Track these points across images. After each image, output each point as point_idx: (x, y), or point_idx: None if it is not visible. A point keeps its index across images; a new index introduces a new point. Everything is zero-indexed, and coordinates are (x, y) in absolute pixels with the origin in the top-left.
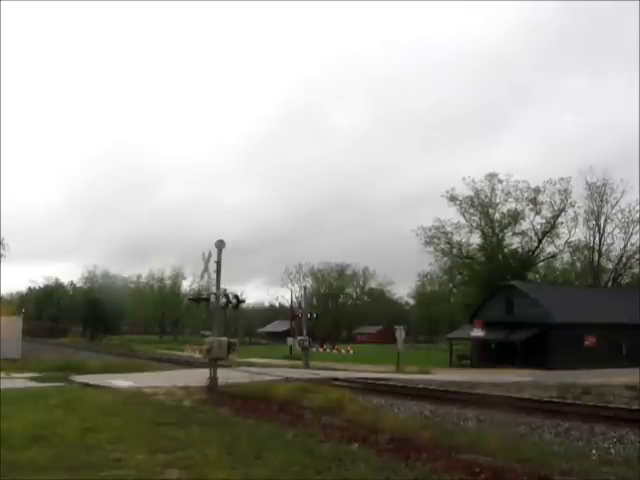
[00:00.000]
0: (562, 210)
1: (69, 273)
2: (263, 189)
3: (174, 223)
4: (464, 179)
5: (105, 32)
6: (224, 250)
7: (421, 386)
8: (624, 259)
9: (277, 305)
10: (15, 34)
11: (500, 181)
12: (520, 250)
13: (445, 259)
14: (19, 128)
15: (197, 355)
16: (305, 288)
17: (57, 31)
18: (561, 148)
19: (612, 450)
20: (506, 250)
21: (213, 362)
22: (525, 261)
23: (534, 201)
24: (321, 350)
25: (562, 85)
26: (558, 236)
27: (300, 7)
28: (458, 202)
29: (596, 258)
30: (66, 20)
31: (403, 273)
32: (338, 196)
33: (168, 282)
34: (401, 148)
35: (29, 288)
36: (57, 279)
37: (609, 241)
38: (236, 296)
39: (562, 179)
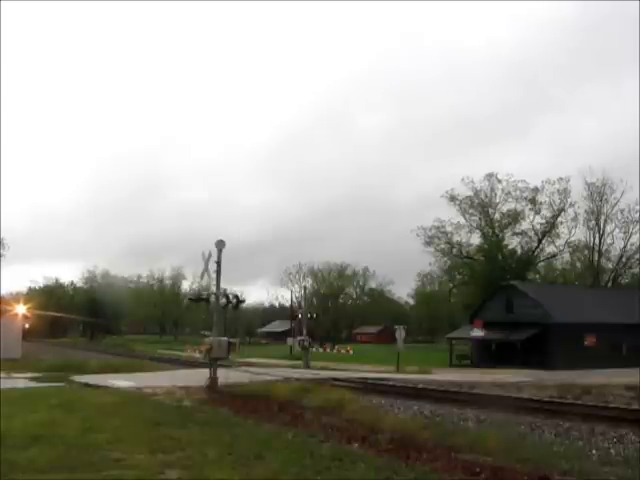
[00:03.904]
0: (562, 210)
1: (69, 273)
2: (267, 191)
3: (177, 225)
4: (463, 179)
5: (120, 34)
6: (225, 251)
7: (421, 386)
8: (624, 259)
9: (277, 305)
10: (25, 37)
11: (499, 181)
12: (520, 250)
13: (445, 259)
14: (25, 130)
15: (197, 355)
16: (305, 288)
17: (69, 35)
18: (568, 151)
19: (612, 450)
20: (506, 250)
21: (213, 362)
22: (525, 261)
23: (533, 201)
24: (321, 350)
25: (576, 90)
26: (558, 236)
27: (325, 11)
28: (458, 202)
29: (596, 258)
30: (82, 25)
31: (403, 273)
32: (343, 198)
33: (168, 282)
34: (410, 151)
35: (29, 288)
36: (57, 279)
37: (609, 241)
38: (236, 296)
39: (561, 179)
